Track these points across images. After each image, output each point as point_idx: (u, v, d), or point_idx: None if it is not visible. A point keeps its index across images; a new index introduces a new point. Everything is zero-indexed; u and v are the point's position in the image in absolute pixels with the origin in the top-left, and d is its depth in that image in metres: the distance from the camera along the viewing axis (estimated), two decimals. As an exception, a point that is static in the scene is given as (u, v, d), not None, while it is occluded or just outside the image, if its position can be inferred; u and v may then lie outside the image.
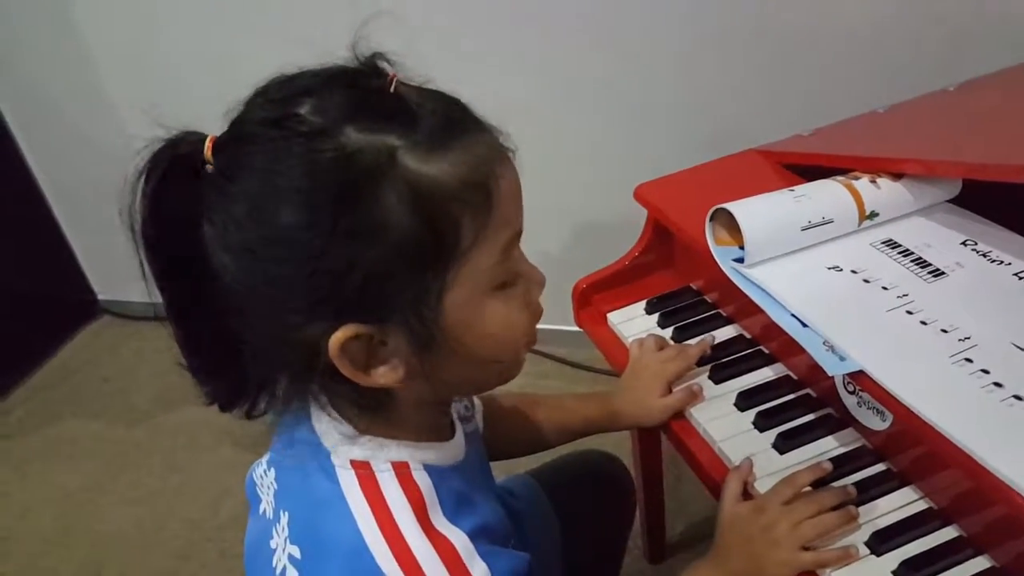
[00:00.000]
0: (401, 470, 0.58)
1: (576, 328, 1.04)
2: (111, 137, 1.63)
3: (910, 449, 0.73)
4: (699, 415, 0.84)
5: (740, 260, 0.83)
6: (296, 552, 0.60)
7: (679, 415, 0.86)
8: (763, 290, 0.79)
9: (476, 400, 0.85)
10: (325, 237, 0.50)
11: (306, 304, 0.52)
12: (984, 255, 0.78)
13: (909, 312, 0.74)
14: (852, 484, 0.73)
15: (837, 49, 1.29)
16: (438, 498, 0.58)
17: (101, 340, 2.03)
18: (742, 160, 1.02)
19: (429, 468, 0.60)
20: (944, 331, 0.71)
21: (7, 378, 1.90)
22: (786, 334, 0.76)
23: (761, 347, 0.90)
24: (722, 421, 0.83)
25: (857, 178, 0.84)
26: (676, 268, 1.03)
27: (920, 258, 0.79)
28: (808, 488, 0.73)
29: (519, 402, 0.92)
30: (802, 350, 0.74)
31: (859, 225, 0.84)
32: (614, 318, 0.99)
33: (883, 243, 0.82)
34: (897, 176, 0.84)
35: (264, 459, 0.67)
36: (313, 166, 0.49)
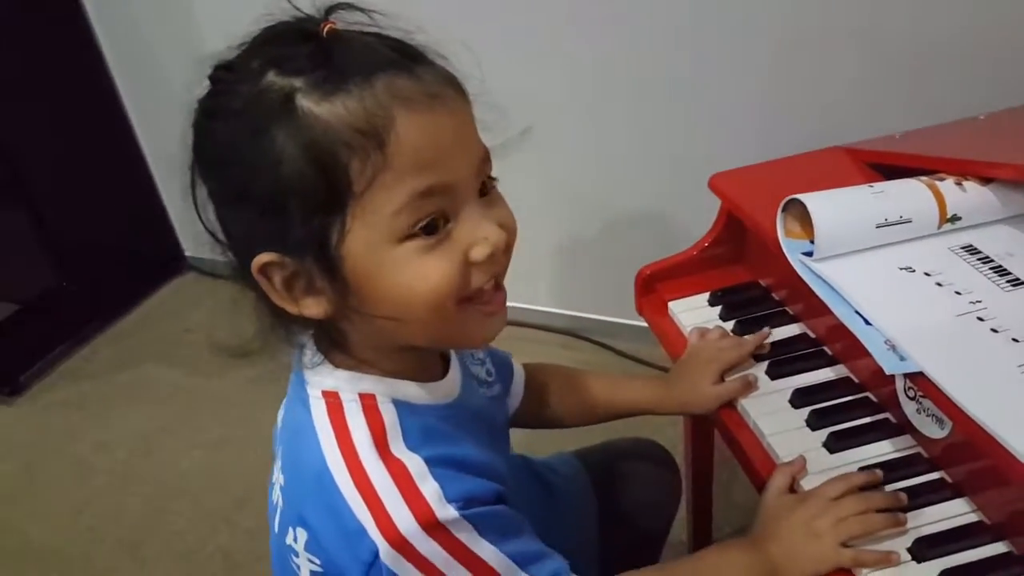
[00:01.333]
0: (367, 402, 0.61)
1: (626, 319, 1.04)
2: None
3: (967, 460, 0.70)
4: (751, 408, 0.83)
5: (809, 254, 0.81)
6: (283, 480, 0.65)
7: (730, 405, 0.85)
8: (829, 285, 0.77)
9: (516, 366, 0.88)
10: (234, 167, 0.55)
11: (240, 229, 0.58)
12: (1069, 269, 0.75)
13: (980, 319, 0.71)
14: (903, 491, 0.71)
15: (939, 53, 1.24)
16: (401, 429, 0.60)
17: (185, 294, 2.12)
18: (826, 156, 1.00)
19: (398, 403, 0.62)
20: (1015, 340, 0.69)
21: (94, 323, 1.99)
22: (850, 335, 0.74)
23: (824, 348, 0.88)
24: (775, 417, 0.81)
25: (942, 179, 0.81)
26: (746, 263, 1.02)
27: (1000, 266, 0.77)
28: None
29: (568, 372, 0.93)
30: (865, 353, 0.72)
31: (939, 228, 0.81)
32: (675, 307, 0.98)
33: (963, 248, 0.80)
34: (985, 181, 0.81)
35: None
36: (232, 102, 0.55)
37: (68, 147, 1.89)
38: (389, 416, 0.60)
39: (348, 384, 0.62)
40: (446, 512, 0.57)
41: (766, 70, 1.37)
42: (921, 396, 0.72)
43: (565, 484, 0.95)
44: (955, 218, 0.80)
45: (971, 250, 0.79)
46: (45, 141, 1.84)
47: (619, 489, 0.99)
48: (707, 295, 0.99)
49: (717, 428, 0.87)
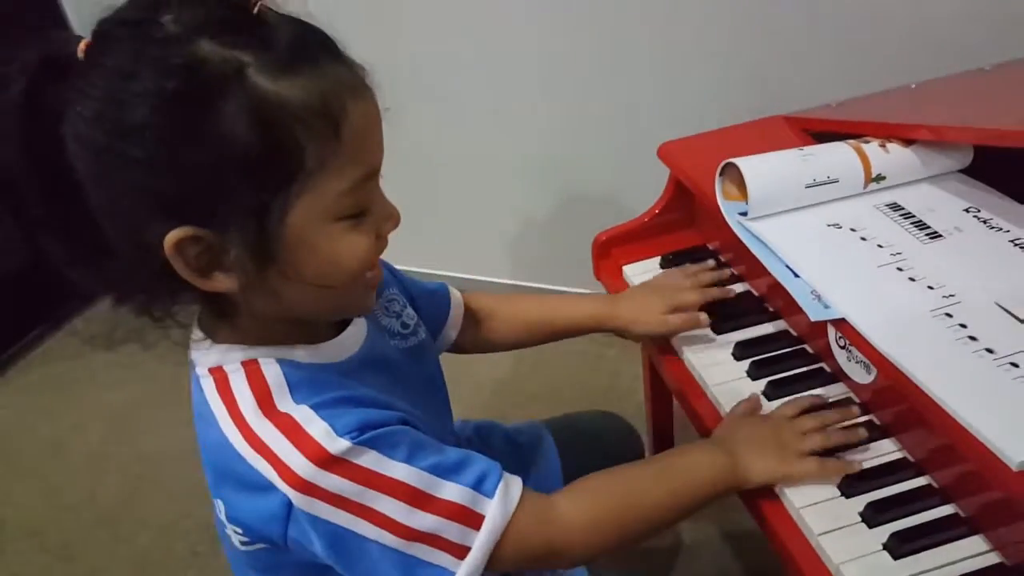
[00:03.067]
0: (250, 367, 0.62)
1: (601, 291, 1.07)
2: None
3: (892, 404, 0.75)
4: (696, 360, 0.88)
5: (745, 215, 0.86)
6: (203, 456, 0.66)
7: (674, 353, 0.90)
8: (763, 243, 0.82)
9: (454, 295, 0.89)
10: (164, 139, 0.52)
11: (146, 203, 0.54)
12: (985, 222, 0.80)
13: (899, 269, 0.76)
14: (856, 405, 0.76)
15: (881, 23, 1.29)
16: (288, 386, 0.61)
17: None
18: (766, 125, 1.04)
19: (283, 362, 0.62)
20: (930, 287, 0.73)
21: (70, 305, 2.00)
22: (788, 293, 0.79)
23: (766, 304, 0.93)
24: (718, 368, 0.86)
25: (867, 142, 0.86)
26: (696, 227, 1.06)
27: (920, 221, 0.81)
28: None
29: (507, 295, 0.95)
30: (801, 308, 0.77)
31: (865, 187, 0.86)
32: (629, 271, 1.03)
33: (886, 205, 0.84)
34: (908, 142, 0.86)
35: None
36: (161, 70, 0.52)
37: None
38: (273, 375, 0.61)
39: (230, 355, 0.63)
40: (338, 444, 0.58)
41: (718, 43, 1.41)
42: (850, 345, 0.77)
43: (532, 443, 0.98)
44: (880, 177, 0.85)
45: (894, 207, 0.84)
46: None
47: (583, 453, 1.03)
48: (659, 259, 1.04)
49: (664, 378, 0.92)
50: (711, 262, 0.97)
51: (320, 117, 0.54)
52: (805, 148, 0.86)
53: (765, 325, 0.91)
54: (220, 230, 0.55)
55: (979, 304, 0.71)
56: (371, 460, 0.59)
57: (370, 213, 0.60)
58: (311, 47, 0.56)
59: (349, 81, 0.57)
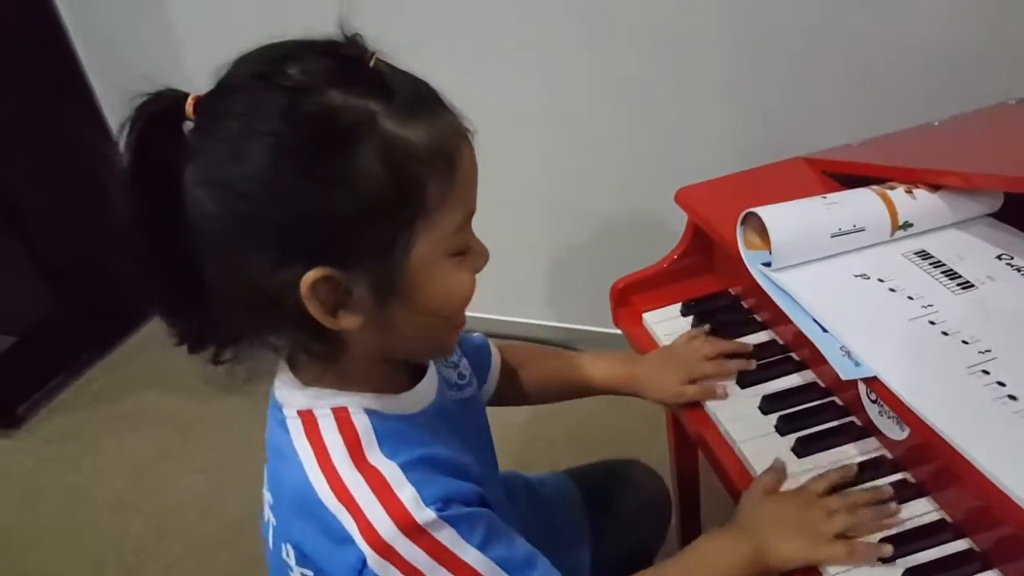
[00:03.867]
0: (340, 414, 0.63)
1: (616, 330, 1.06)
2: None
3: (926, 461, 0.72)
4: (722, 415, 0.85)
5: (769, 265, 0.84)
6: (271, 498, 0.67)
7: (700, 407, 0.87)
8: (787, 294, 0.80)
9: (493, 351, 0.91)
10: (300, 184, 0.55)
11: (278, 247, 0.56)
12: (1019, 269, 0.77)
13: (932, 322, 0.74)
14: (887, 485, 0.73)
15: (903, 62, 1.27)
16: (376, 438, 0.63)
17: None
18: (787, 167, 1.02)
19: (371, 412, 0.64)
20: (965, 342, 0.71)
21: (89, 353, 2.02)
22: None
23: (792, 354, 0.91)
24: (744, 422, 0.84)
25: (893, 188, 0.84)
26: (716, 272, 1.04)
27: (951, 270, 0.79)
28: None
29: (535, 350, 0.97)
30: (828, 358, 0.75)
31: (892, 235, 0.83)
32: (649, 318, 1.01)
33: (915, 254, 0.82)
34: (935, 188, 0.84)
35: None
36: (294, 115, 0.54)
37: (60, 178, 1.91)
38: (362, 425, 0.63)
39: (320, 400, 0.64)
40: (424, 514, 0.59)
41: (734, 82, 1.40)
42: (881, 400, 0.74)
43: (556, 498, 0.97)
44: (907, 225, 0.82)
45: (923, 255, 0.82)
46: (40, 181, 1.87)
47: (610, 507, 1.01)
48: (679, 305, 1.02)
49: (689, 433, 0.90)
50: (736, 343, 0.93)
51: (440, 158, 0.58)
52: (829, 196, 0.84)
53: (792, 376, 0.88)
54: (348, 269, 0.58)
55: (1018, 360, 0.68)
56: (449, 538, 0.60)
57: (470, 251, 0.64)
58: (426, 96, 0.60)
59: (458, 127, 0.61)
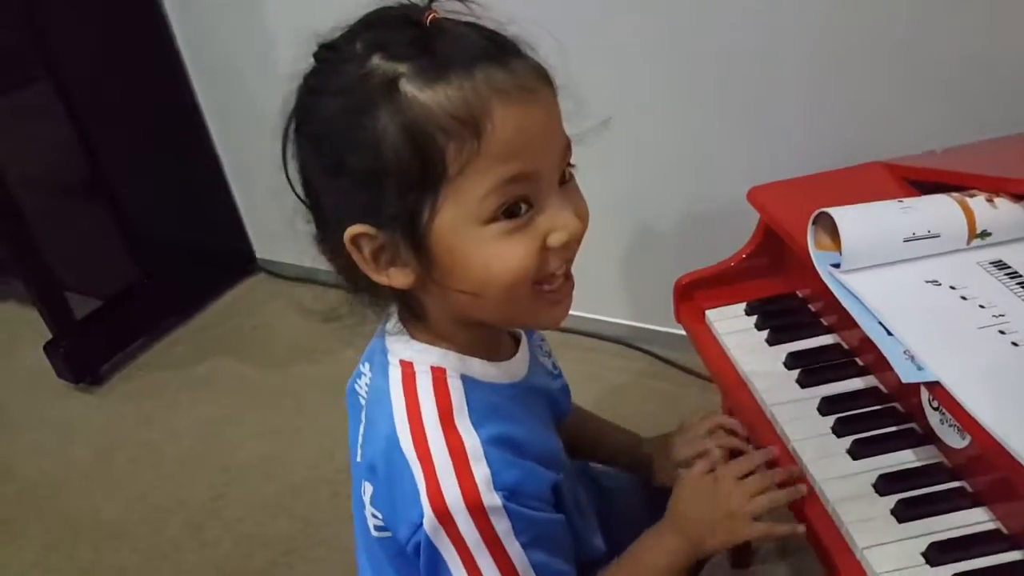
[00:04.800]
0: (437, 375, 0.66)
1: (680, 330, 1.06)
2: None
3: (986, 471, 0.71)
4: (780, 415, 0.85)
5: (838, 266, 0.83)
6: (362, 439, 0.71)
7: (752, 401, 0.88)
8: (854, 296, 0.79)
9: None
10: (337, 146, 0.59)
11: (333, 203, 0.62)
12: (1099, 285, 0.75)
13: (1002, 332, 0.72)
14: (921, 498, 0.73)
15: (984, 68, 1.23)
16: (467, 405, 0.65)
17: (255, 294, 2.21)
18: (865, 171, 1.01)
19: (466, 379, 0.66)
20: (1035, 354, 0.70)
21: (171, 319, 2.10)
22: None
23: (856, 359, 0.90)
24: (802, 422, 0.84)
25: (973, 195, 0.83)
26: (784, 274, 1.04)
27: (1026, 281, 0.77)
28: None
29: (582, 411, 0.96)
30: (892, 364, 0.74)
31: (968, 243, 0.82)
32: (712, 316, 1.01)
33: (991, 263, 0.81)
34: (1017, 198, 0.82)
35: (365, 367, 0.75)
36: (341, 85, 0.59)
37: (150, 153, 2.00)
38: (456, 391, 0.65)
39: (422, 356, 0.67)
40: (491, 498, 0.61)
41: (811, 82, 1.38)
42: (943, 408, 0.73)
43: (621, 490, 0.98)
44: (985, 233, 0.81)
45: (1000, 265, 0.80)
46: (130, 148, 1.95)
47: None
48: (744, 305, 1.02)
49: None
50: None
51: (460, 122, 0.56)
52: (905, 200, 0.83)
53: (854, 380, 0.88)
54: (387, 229, 0.60)
55: (1088, 375, 0.67)
56: (504, 528, 0.62)
57: (535, 220, 0.60)
58: (469, 52, 0.58)
59: (501, 85, 0.57)
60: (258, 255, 2.28)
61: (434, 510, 0.61)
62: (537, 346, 0.80)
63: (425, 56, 0.57)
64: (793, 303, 1.00)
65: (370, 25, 0.60)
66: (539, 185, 0.60)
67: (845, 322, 0.91)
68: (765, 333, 0.96)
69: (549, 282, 0.63)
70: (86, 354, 1.95)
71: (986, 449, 0.67)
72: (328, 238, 0.65)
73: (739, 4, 1.36)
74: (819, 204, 0.86)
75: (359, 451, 0.72)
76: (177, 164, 2.06)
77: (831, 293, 0.83)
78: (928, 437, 0.78)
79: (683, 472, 0.81)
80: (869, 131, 1.31)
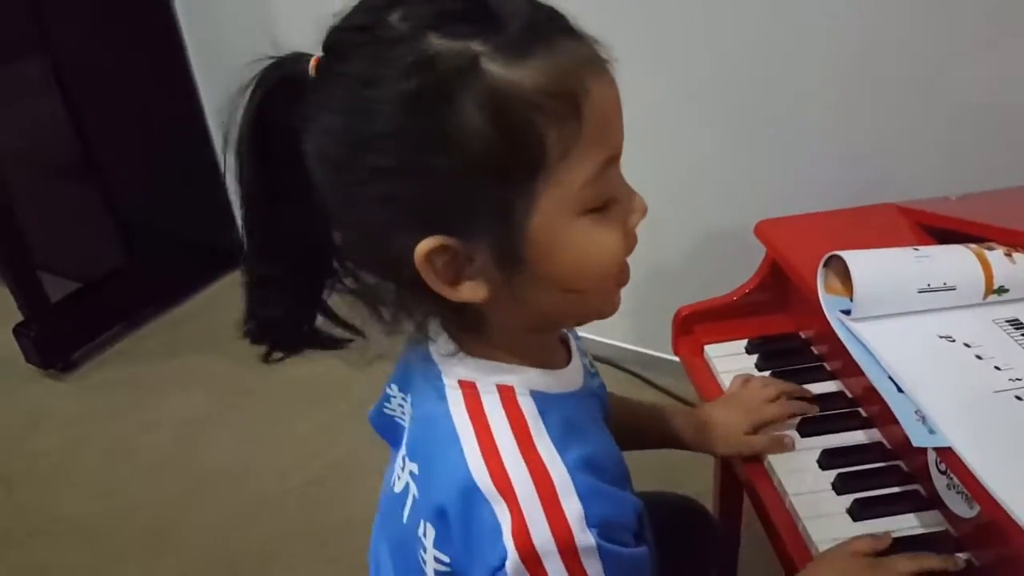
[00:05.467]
0: (506, 394, 0.58)
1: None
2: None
3: (995, 544, 0.67)
4: (777, 465, 0.81)
5: (848, 312, 0.79)
6: (415, 469, 0.62)
7: (756, 458, 0.83)
8: (864, 346, 0.76)
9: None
10: (406, 144, 0.50)
11: (392, 214, 0.52)
12: (1121, 354, 0.72)
13: (1019, 397, 0.69)
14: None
15: (1006, 115, 1.20)
16: (544, 425, 0.57)
17: (239, 288, 2.16)
18: (878, 213, 0.97)
19: (536, 394, 0.59)
20: (1054, 425, 0.66)
21: (151, 308, 2.05)
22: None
23: (859, 409, 0.86)
24: (800, 475, 0.80)
25: (992, 248, 0.79)
26: (788, 312, 1.00)
27: (1046, 344, 0.74)
28: None
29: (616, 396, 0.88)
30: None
31: (984, 298, 0.78)
32: (711, 351, 0.97)
33: (1008, 321, 0.77)
34: (1038, 254, 0.78)
35: (393, 389, 0.68)
36: (396, 72, 0.49)
37: (144, 137, 1.95)
38: (529, 411, 0.58)
39: (484, 374, 0.59)
40: (585, 538, 0.54)
41: (829, 117, 1.35)
42: (951, 472, 0.69)
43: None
44: (1002, 290, 0.77)
45: (1016, 324, 0.77)
46: (123, 132, 1.90)
47: (662, 539, 0.97)
48: (745, 342, 0.98)
49: (740, 480, 0.86)
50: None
51: (559, 100, 0.50)
52: (921, 248, 0.80)
53: (856, 433, 0.84)
54: (467, 237, 0.53)
55: (1110, 451, 0.63)
56: (594, 571, 0.55)
57: (615, 204, 0.55)
58: (544, 25, 0.52)
59: (587, 57, 0.52)
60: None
61: (519, 551, 0.53)
62: (577, 346, 0.73)
63: (494, 30, 0.50)
64: (796, 343, 0.96)
65: (399, 2, 0.51)
66: (618, 167, 0.56)
67: (850, 369, 0.87)
68: (766, 375, 0.92)
69: (622, 267, 0.59)
70: (58, 339, 1.90)
71: (996, 521, 0.63)
72: (373, 262, 0.57)
73: (754, 30, 1.33)
74: (828, 243, 0.83)
75: (405, 481, 0.63)
76: (170, 150, 2.01)
77: (836, 336, 0.79)
78: (933, 502, 0.74)
79: (837, 548, 0.71)
80: (883, 170, 1.28)
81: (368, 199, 0.53)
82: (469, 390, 0.59)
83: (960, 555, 0.69)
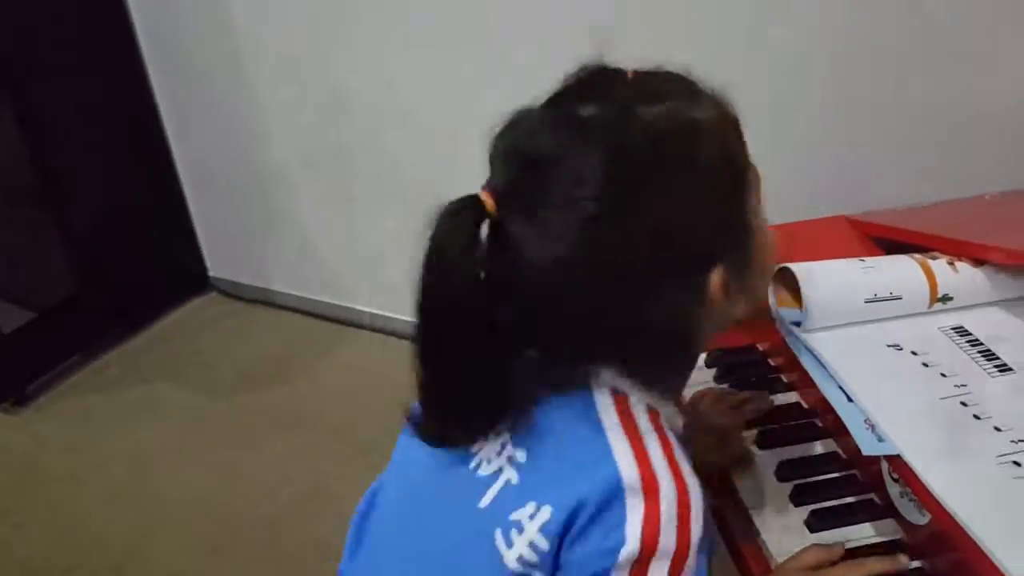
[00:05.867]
0: (655, 418, 0.62)
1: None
2: (250, 125, 1.71)
3: (947, 551, 0.68)
4: (737, 479, 0.81)
5: (799, 324, 0.80)
6: (521, 456, 0.62)
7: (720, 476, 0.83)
8: (815, 357, 0.76)
9: None
10: (671, 196, 0.57)
11: (670, 262, 0.58)
12: (1063, 357, 0.73)
13: (964, 404, 0.70)
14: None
15: (973, 128, 1.23)
16: (683, 453, 0.61)
17: (203, 314, 2.13)
18: (829, 225, 0.99)
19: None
20: (998, 429, 0.67)
21: (108, 338, 2.01)
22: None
23: (815, 420, 0.87)
24: (758, 488, 0.80)
25: (935, 258, 0.81)
26: (744, 325, 1.00)
27: (989, 350, 0.75)
28: None
29: None
30: (853, 428, 0.71)
31: (930, 307, 0.80)
32: (671, 367, 0.97)
33: (953, 329, 0.78)
34: (978, 262, 0.80)
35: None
36: (648, 137, 0.57)
37: (102, 158, 1.92)
38: (671, 436, 0.62)
39: (636, 393, 0.62)
40: (692, 561, 0.58)
41: (777, 129, 1.37)
42: (903, 481, 0.70)
43: None
44: (946, 298, 0.79)
45: (961, 332, 0.78)
46: (80, 152, 1.87)
47: None
48: (703, 355, 0.98)
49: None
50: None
51: (734, 125, 0.62)
52: (867, 259, 0.81)
53: (813, 444, 0.84)
54: (731, 253, 0.60)
55: (1053, 454, 0.64)
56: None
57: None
58: (683, 80, 0.62)
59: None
60: (211, 273, 2.19)
61: (643, 543, 0.56)
62: None
63: (671, 95, 0.59)
64: (754, 356, 0.97)
65: (582, 95, 0.59)
66: None
67: (806, 380, 0.88)
68: (724, 386, 0.93)
69: None
70: (11, 371, 1.85)
71: (946, 528, 0.64)
72: (598, 342, 0.60)
73: (715, 42, 1.35)
74: (781, 255, 0.84)
75: (506, 471, 0.62)
76: (130, 173, 1.98)
77: (791, 349, 0.80)
78: (888, 509, 0.75)
79: (795, 559, 0.72)
80: (840, 183, 1.30)
81: (627, 259, 0.57)
82: (620, 398, 0.62)
83: (909, 560, 0.70)
